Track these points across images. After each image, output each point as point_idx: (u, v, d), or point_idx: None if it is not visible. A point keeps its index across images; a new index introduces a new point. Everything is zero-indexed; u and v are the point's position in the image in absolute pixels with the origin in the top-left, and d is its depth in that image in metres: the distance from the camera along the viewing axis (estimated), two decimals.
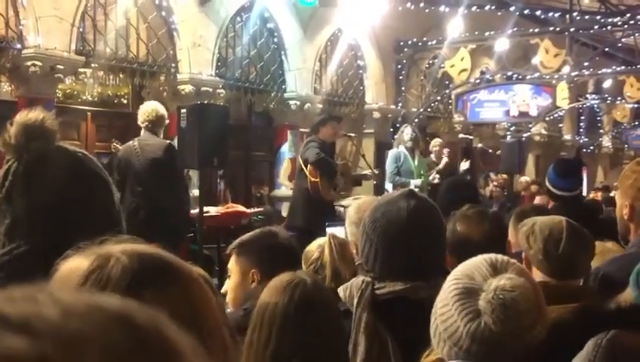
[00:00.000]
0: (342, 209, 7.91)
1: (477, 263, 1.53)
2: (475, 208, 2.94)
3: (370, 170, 8.73)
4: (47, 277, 0.96)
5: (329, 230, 4.35)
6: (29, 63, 8.56)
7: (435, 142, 10.37)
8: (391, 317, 2.12)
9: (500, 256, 1.56)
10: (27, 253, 1.41)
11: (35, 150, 1.48)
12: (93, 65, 9.41)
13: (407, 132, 8.95)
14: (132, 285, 0.88)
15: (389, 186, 8.70)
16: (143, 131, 6.50)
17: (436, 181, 8.79)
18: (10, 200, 1.48)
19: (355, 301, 2.11)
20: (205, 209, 7.20)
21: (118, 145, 6.65)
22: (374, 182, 8.72)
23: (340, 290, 2.20)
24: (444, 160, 9.73)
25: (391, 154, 8.94)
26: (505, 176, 14.24)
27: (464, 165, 9.22)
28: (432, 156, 9.94)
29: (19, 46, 8.59)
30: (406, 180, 8.56)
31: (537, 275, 2.27)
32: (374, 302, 2.11)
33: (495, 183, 13.38)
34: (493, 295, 1.44)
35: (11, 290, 0.48)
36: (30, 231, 1.44)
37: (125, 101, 11.01)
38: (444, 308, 1.51)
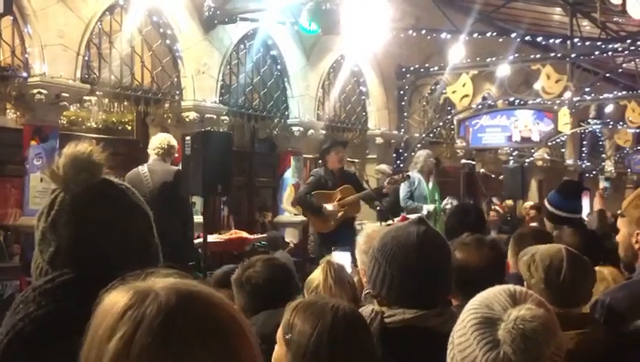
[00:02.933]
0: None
1: (495, 293, 1.52)
2: (472, 236, 2.98)
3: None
4: (89, 306, 0.97)
5: (335, 254, 4.38)
6: (34, 91, 8.62)
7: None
8: (399, 347, 2.13)
9: (518, 287, 1.56)
10: (69, 281, 1.43)
11: (82, 181, 1.52)
12: (98, 92, 9.46)
13: (424, 156, 8.91)
14: (166, 324, 0.88)
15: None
16: (151, 158, 6.60)
17: (449, 207, 8.69)
18: (55, 228, 1.51)
19: None
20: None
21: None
22: (378, 208, 8.67)
23: None
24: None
25: None
26: (510, 202, 14.20)
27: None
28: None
29: (24, 74, 8.66)
30: (418, 205, 8.49)
31: None
32: (383, 330, 2.12)
33: (499, 209, 13.34)
34: (513, 325, 1.44)
35: None
36: (73, 260, 1.47)
37: (130, 128, 11.09)
38: (462, 338, 1.50)
